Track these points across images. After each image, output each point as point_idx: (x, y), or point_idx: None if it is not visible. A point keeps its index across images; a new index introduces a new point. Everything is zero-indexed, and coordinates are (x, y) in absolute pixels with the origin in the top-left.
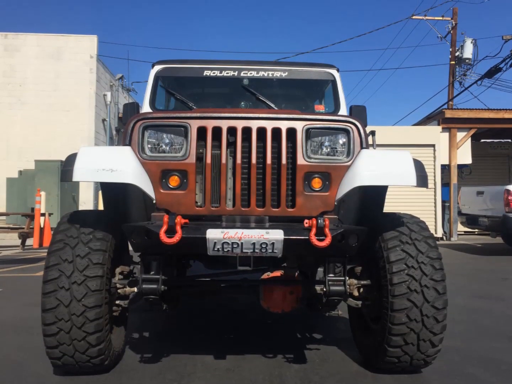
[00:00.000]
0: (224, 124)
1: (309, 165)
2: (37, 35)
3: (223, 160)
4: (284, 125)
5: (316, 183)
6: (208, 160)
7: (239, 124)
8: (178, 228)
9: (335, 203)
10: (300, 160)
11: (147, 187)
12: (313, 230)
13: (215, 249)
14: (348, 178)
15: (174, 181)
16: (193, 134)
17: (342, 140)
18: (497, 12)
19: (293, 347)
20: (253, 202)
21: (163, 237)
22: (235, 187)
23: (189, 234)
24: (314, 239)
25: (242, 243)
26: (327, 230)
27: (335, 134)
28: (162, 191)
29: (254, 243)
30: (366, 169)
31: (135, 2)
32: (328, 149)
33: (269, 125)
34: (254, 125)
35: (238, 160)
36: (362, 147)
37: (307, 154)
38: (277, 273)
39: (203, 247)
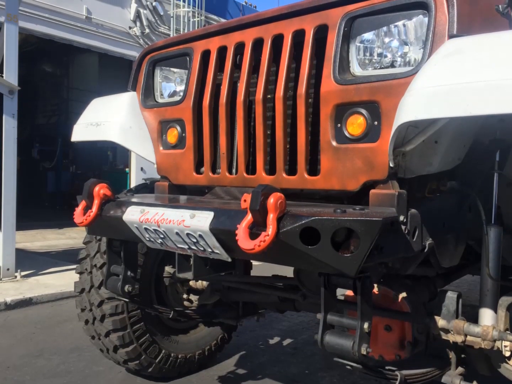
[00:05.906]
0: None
1: (342, 89)
2: None
3: (223, 99)
4: (310, 22)
5: (355, 124)
6: (207, 100)
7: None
8: (96, 203)
9: (390, 164)
10: (327, 83)
11: (142, 147)
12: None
13: (146, 238)
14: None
15: (172, 135)
16: (196, 61)
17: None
18: None
19: None
20: (259, 163)
21: (77, 217)
22: (237, 142)
23: (107, 212)
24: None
25: (164, 231)
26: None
27: (406, 16)
28: (162, 150)
29: (177, 233)
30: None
31: None
32: (389, 52)
33: (287, 29)
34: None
35: (241, 96)
36: (449, 34)
37: (343, 68)
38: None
39: (131, 234)
